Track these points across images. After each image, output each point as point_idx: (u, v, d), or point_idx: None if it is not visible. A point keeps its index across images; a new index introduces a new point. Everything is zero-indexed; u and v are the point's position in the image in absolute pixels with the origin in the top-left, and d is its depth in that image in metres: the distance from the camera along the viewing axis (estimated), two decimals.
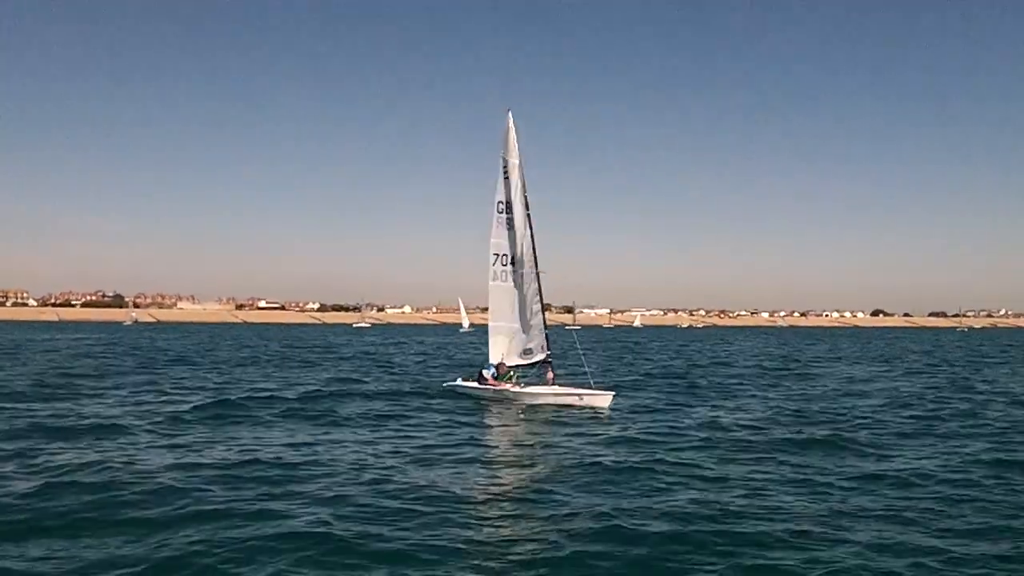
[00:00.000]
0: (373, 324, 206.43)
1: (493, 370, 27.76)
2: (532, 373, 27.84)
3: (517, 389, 26.89)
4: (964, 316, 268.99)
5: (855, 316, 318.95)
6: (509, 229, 27.71)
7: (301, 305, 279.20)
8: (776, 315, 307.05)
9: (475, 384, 27.92)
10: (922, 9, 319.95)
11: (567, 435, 20.23)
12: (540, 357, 27.65)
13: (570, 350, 41.51)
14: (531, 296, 27.52)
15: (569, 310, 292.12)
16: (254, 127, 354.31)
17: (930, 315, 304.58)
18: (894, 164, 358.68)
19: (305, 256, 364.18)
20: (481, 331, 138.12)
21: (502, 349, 27.93)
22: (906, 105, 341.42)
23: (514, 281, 27.79)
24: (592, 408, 25.33)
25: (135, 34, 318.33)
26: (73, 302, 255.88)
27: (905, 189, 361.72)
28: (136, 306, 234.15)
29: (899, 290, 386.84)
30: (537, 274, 27.42)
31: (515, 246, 27.67)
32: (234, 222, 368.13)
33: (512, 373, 27.68)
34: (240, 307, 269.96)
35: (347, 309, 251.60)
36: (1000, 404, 28.29)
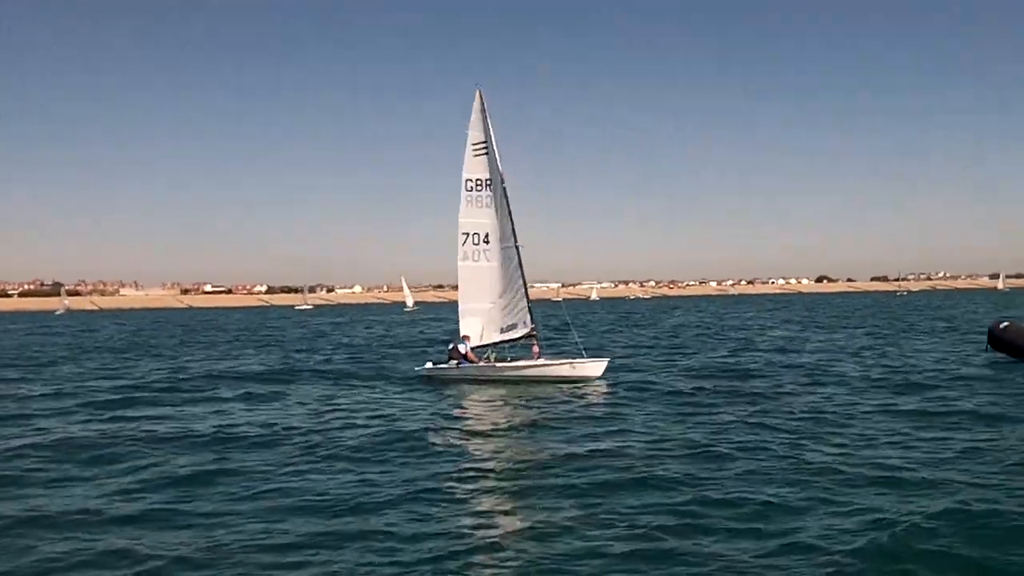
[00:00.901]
0: (317, 306, 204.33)
1: (466, 344, 26.84)
2: (515, 349, 27.18)
3: (502, 364, 26.39)
4: (904, 280, 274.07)
5: (800, 283, 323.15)
6: (484, 207, 27.17)
7: (249, 288, 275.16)
8: (724, 284, 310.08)
9: (452, 364, 26.90)
10: None
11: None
12: (524, 332, 26.97)
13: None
14: (513, 271, 27.03)
15: None
16: (200, 107, 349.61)
17: (872, 279, 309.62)
18: (835, 132, 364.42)
19: (255, 238, 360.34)
20: (426, 309, 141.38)
21: (476, 330, 27.22)
22: (848, 76, 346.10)
23: (491, 259, 27.18)
24: (584, 378, 25.16)
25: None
26: (10, 292, 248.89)
27: (847, 158, 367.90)
28: (77, 294, 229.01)
29: (843, 256, 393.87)
30: (517, 249, 27.00)
31: (494, 223, 27.20)
32: (181, 205, 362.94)
33: (490, 351, 27.09)
34: (185, 292, 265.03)
35: (297, 291, 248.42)
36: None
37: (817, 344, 39.63)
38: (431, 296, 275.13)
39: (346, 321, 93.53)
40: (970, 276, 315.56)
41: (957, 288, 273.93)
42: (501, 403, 21.87)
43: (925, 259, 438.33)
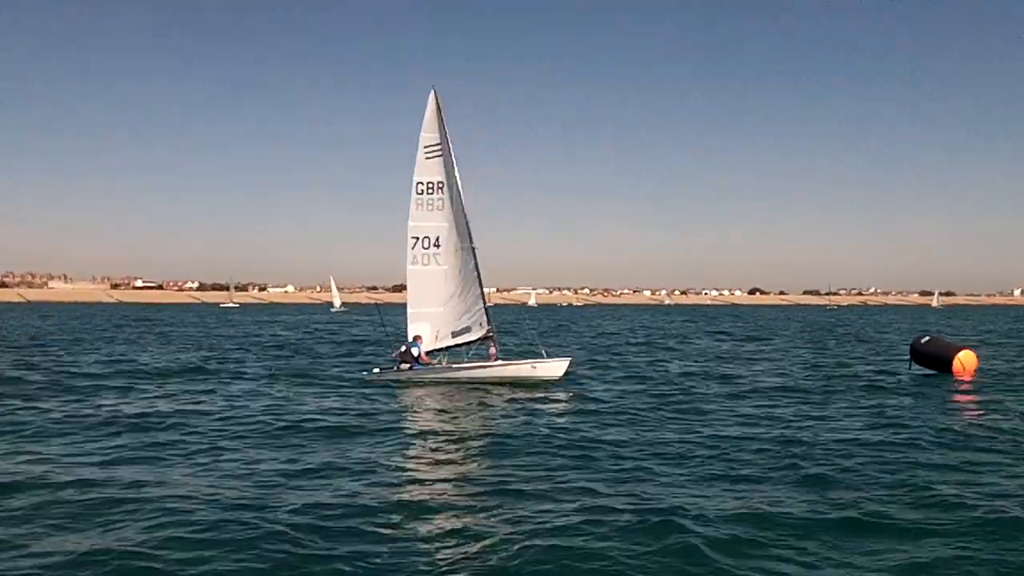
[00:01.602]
0: (243, 304, 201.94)
1: (417, 345, 25.96)
2: (472, 351, 26.65)
3: (459, 366, 25.76)
4: (835, 294, 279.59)
5: (733, 294, 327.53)
6: (437, 210, 26.51)
7: (180, 284, 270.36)
8: (658, 293, 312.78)
9: (404, 367, 25.95)
10: None
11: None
12: (480, 334, 26.40)
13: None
14: (468, 274, 26.48)
15: None
16: (136, 101, 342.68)
17: (804, 293, 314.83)
18: (769, 149, 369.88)
19: (189, 234, 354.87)
20: (356, 310, 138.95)
21: (428, 334, 26.43)
22: (784, 93, 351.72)
23: (442, 262, 26.54)
24: (546, 379, 24.79)
25: None
26: None
27: (781, 174, 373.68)
28: (4, 285, 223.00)
29: (776, 269, 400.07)
30: (473, 251, 26.44)
31: (446, 227, 26.58)
32: (114, 198, 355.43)
33: (443, 354, 26.41)
34: (116, 286, 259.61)
35: (229, 288, 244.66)
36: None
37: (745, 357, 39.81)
38: (364, 297, 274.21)
39: (265, 320, 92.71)
40: (900, 292, 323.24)
41: (887, 304, 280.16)
42: (453, 409, 21.06)
43: (857, 274, 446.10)
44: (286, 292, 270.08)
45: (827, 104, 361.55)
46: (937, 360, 28.32)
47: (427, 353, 26.15)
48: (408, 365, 25.92)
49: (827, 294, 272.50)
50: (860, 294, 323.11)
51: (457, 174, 26.57)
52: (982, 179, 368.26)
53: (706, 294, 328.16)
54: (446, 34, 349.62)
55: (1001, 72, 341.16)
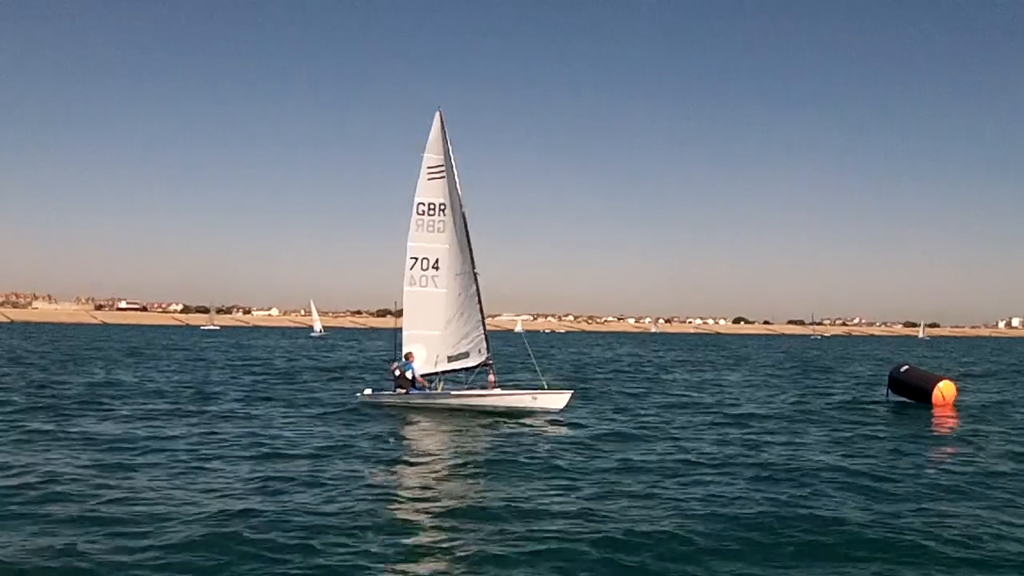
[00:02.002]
0: (224, 326, 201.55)
1: (413, 369, 25.47)
2: (472, 378, 26.05)
3: (457, 392, 25.22)
4: (820, 324, 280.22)
5: (717, 323, 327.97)
6: (437, 232, 26.22)
7: (164, 306, 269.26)
8: (642, 321, 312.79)
9: (398, 392, 25.55)
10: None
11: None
12: (478, 360, 25.93)
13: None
14: (468, 299, 26.10)
15: None
16: (125, 118, 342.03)
17: (789, 323, 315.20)
18: (755, 177, 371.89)
19: (174, 256, 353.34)
20: (334, 334, 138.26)
21: (422, 357, 26.02)
22: (769, 121, 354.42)
23: (441, 285, 26.19)
24: (546, 410, 24.24)
25: None
26: None
27: (767, 202, 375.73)
28: None
29: (760, 298, 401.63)
30: (475, 275, 26.06)
31: (447, 249, 26.28)
32: (100, 218, 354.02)
33: (438, 379, 25.93)
34: (100, 307, 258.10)
35: (209, 311, 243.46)
36: None
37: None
38: (348, 321, 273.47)
39: (244, 343, 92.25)
40: (884, 323, 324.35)
41: (872, 334, 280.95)
42: (449, 439, 20.52)
43: (841, 304, 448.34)
44: (270, 315, 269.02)
45: (813, 133, 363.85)
46: (916, 390, 28.26)
47: (424, 376, 25.75)
48: (404, 389, 25.49)
49: (812, 324, 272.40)
50: (845, 324, 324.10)
51: (461, 197, 26.34)
52: (970, 211, 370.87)
53: (690, 323, 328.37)
54: (423, 63, 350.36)
55: (985, 103, 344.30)
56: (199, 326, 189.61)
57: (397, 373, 25.72)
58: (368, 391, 27.00)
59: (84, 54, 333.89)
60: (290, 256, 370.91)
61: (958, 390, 28.67)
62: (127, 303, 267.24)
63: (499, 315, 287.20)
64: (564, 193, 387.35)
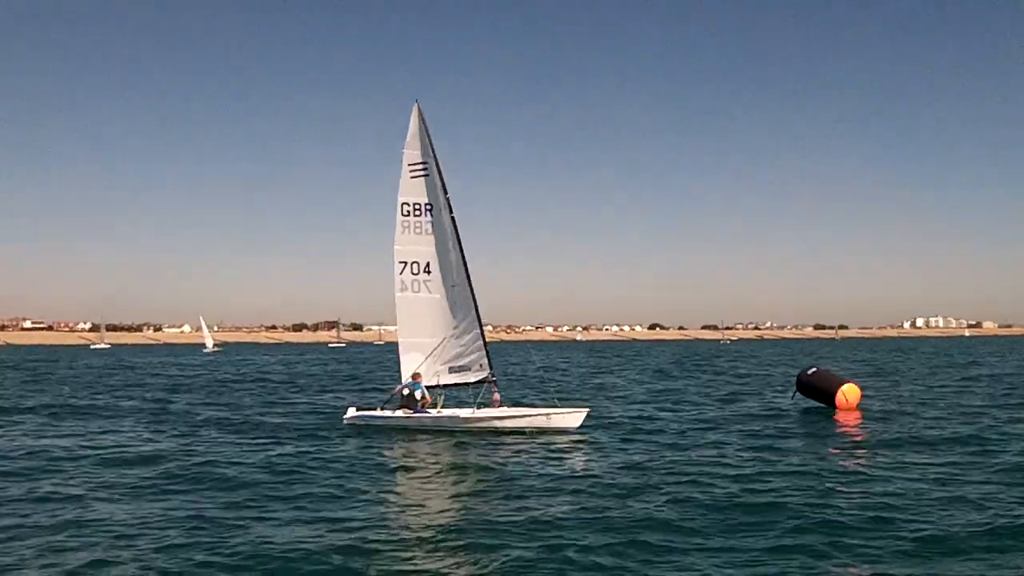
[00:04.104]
0: (116, 344, 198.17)
1: (422, 389, 23.60)
2: (479, 397, 23.96)
3: (466, 414, 23.17)
4: (732, 328, 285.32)
5: (633, 329, 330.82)
6: (424, 234, 24.65)
7: (71, 325, 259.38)
8: (560, 329, 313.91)
9: (400, 413, 23.59)
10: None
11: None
12: (479, 376, 24.28)
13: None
14: (463, 305, 24.44)
15: (357, 327, 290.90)
16: (25, 124, 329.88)
17: (703, 328, 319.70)
18: (664, 184, 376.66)
19: (86, 273, 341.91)
20: (231, 350, 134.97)
21: (419, 367, 24.21)
22: (672, 130, 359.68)
23: (434, 290, 24.59)
24: (561, 429, 22.55)
25: None
26: None
27: (680, 210, 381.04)
28: None
29: (674, 304, 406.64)
30: (469, 282, 24.38)
31: (438, 252, 24.68)
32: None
33: (439, 396, 24.06)
34: (2, 328, 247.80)
35: (124, 329, 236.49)
36: None
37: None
38: (262, 336, 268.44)
39: (123, 361, 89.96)
40: (795, 326, 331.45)
41: (783, 337, 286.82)
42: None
43: (752, 309, 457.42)
44: (182, 332, 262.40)
45: (723, 141, 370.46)
46: (821, 393, 27.88)
47: (429, 388, 23.99)
48: (410, 410, 23.57)
49: (725, 328, 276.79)
50: (757, 328, 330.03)
51: (448, 196, 24.77)
52: (876, 217, 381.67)
53: (607, 329, 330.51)
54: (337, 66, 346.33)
55: (901, 108, 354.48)
56: (88, 344, 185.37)
57: (406, 392, 23.76)
58: (353, 410, 24.91)
59: None
60: (202, 272, 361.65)
61: (862, 392, 28.38)
62: (32, 322, 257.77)
63: None
64: (477, 200, 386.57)
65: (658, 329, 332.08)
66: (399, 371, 24.96)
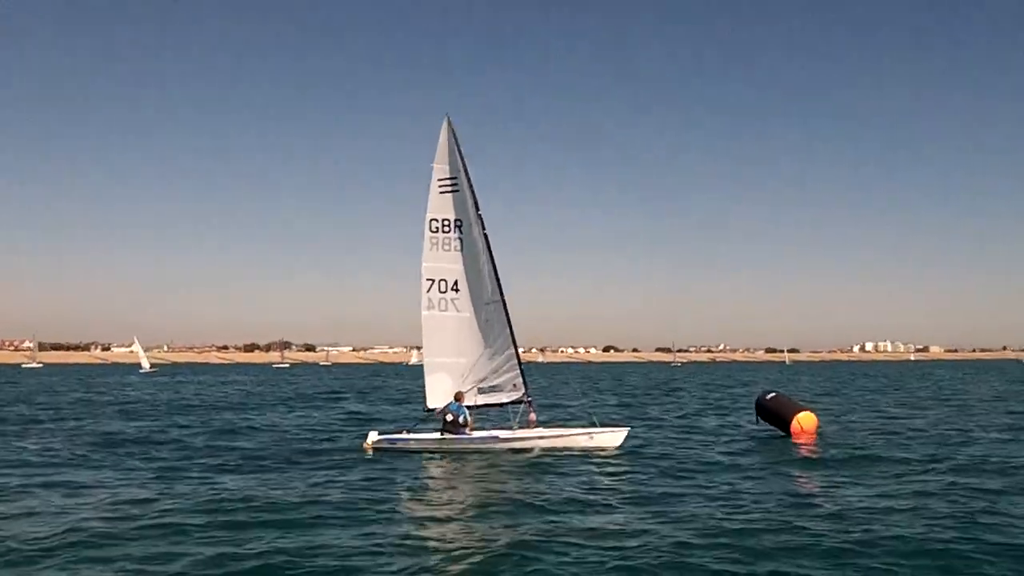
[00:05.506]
0: (48, 364, 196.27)
1: (464, 412, 22.80)
2: (519, 418, 23.57)
3: (507, 435, 22.76)
4: (686, 351, 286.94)
5: (588, 351, 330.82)
6: (453, 251, 24.13)
7: (16, 343, 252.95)
8: (527, 351, 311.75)
9: (436, 435, 22.91)
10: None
11: None
12: (512, 396, 23.76)
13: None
14: (496, 323, 23.90)
15: (310, 348, 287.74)
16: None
17: (656, 350, 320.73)
18: (625, 208, 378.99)
19: (28, 287, 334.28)
20: (167, 371, 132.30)
21: (446, 388, 23.57)
22: (628, 150, 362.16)
23: (463, 308, 24.02)
24: (602, 449, 22.26)
25: None
26: None
27: (631, 231, 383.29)
28: None
29: (629, 326, 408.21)
30: (503, 301, 23.86)
31: (467, 269, 24.14)
32: None
33: (472, 417, 23.25)
34: None
35: (71, 348, 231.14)
36: None
37: None
38: (214, 357, 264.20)
39: (55, 381, 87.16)
40: (747, 349, 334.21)
41: (735, 360, 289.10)
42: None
43: (706, 333, 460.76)
44: (131, 351, 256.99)
45: (675, 166, 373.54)
46: (777, 419, 26.95)
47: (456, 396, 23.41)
48: (450, 434, 22.73)
49: (677, 351, 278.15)
50: (710, 351, 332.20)
51: (480, 212, 24.31)
52: (826, 240, 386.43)
53: (562, 351, 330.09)
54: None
55: (846, 131, 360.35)
56: (19, 364, 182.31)
57: (449, 418, 22.83)
58: (375, 435, 23.48)
59: None
60: (154, 291, 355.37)
61: (819, 420, 27.22)
62: None
63: (369, 348, 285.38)
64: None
65: (612, 351, 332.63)
66: (423, 392, 24.30)
